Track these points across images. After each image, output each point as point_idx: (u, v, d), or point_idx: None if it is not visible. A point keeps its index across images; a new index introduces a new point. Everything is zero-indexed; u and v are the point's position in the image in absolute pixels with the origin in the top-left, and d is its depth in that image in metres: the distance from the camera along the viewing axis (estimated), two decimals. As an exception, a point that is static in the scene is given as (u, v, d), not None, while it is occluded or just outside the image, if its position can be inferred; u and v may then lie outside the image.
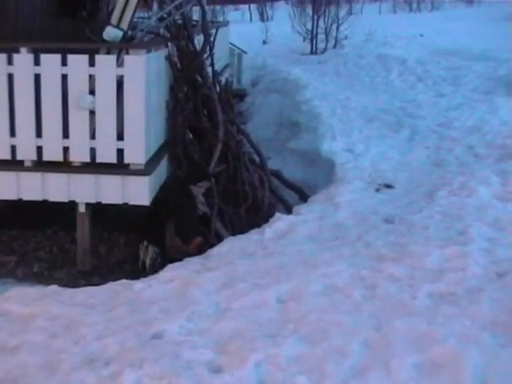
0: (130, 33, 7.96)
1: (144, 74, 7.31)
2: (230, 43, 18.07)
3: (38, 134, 7.44)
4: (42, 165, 7.54)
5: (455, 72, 16.81)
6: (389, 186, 8.70)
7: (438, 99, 14.20)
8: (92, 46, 7.88)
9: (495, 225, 6.78)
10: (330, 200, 8.12)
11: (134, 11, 7.83)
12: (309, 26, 23.24)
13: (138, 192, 7.50)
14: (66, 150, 7.48)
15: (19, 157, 7.52)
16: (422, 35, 24.59)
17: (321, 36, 22.75)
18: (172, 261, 7.04)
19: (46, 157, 7.51)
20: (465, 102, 13.67)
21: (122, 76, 7.34)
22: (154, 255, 7.64)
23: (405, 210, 7.55)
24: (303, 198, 9.10)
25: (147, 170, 7.55)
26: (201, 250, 7.64)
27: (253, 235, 7.06)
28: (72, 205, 7.66)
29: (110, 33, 7.63)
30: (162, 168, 8.35)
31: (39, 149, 7.49)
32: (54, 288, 5.92)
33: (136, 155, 7.43)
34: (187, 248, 7.67)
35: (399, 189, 8.60)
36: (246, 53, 19.60)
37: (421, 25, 28.40)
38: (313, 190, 9.30)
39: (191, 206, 7.82)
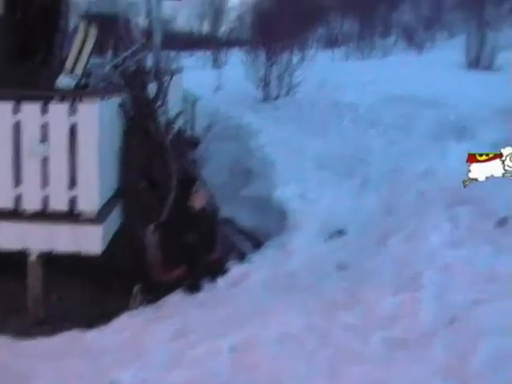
0: (83, 80, 7.97)
1: (97, 122, 7.31)
2: (184, 90, 18.11)
3: (-11, 182, 7.37)
4: (-7, 213, 7.47)
5: (406, 118, 16.97)
6: (341, 233, 8.75)
7: (390, 145, 14.32)
8: (45, 93, 7.86)
9: (446, 270, 6.85)
10: (283, 247, 8.16)
11: (88, 58, 7.85)
12: (262, 73, 23.35)
13: (91, 240, 7.44)
14: (17, 198, 7.42)
15: (-30, 205, 7.44)
16: (373, 82, 24.88)
17: (274, 82, 22.89)
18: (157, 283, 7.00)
19: (-3, 205, 7.44)
20: (416, 147, 13.78)
21: (76, 124, 7.33)
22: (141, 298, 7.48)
23: (357, 257, 7.60)
24: (256, 245, 9.11)
25: (100, 218, 7.51)
26: (180, 281, 7.56)
27: (205, 283, 7.05)
28: (24, 252, 7.58)
29: (64, 80, 7.64)
30: (115, 216, 8.31)
31: (-10, 197, 7.41)
32: (3, 339, 5.84)
33: (88, 203, 7.38)
34: (169, 276, 7.51)
35: (351, 235, 8.66)
36: (199, 99, 19.66)
37: (373, 71, 28.70)
38: (266, 236, 9.32)
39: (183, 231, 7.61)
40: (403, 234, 8.25)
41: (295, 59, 23.69)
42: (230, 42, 48.30)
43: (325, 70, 24.77)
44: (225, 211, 10.01)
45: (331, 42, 53.64)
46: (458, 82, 21.74)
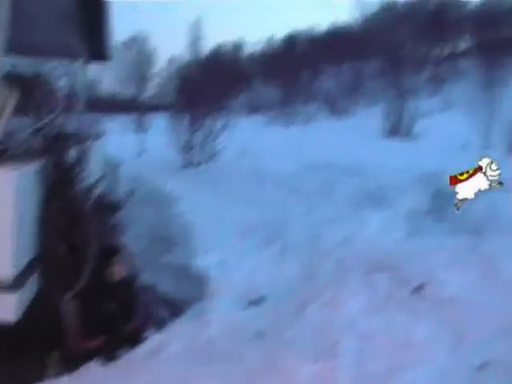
0: (2, 145, 7.88)
1: (14, 188, 7.20)
2: (106, 154, 18.03)
3: None
4: None
5: (327, 185, 17.20)
6: (261, 300, 8.76)
7: (311, 212, 14.46)
8: (-38, 159, 7.75)
9: (363, 338, 6.89)
10: (202, 315, 8.13)
11: (6, 123, 7.77)
12: (185, 139, 23.45)
13: (5, 308, 7.28)
14: None
15: None
16: (294, 149, 25.16)
17: (197, 148, 22.99)
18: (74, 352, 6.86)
19: None
20: (336, 215, 13.95)
21: (-8, 189, 7.23)
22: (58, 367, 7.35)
23: (276, 325, 7.60)
24: (176, 312, 9.06)
25: (15, 285, 7.36)
26: (98, 350, 7.47)
27: (124, 353, 6.97)
28: None
29: (-19, 145, 7.54)
30: (32, 283, 8.17)
31: None
32: None
33: (4, 270, 7.24)
34: (86, 345, 7.41)
35: (271, 303, 8.68)
36: (121, 164, 19.60)
37: (295, 138, 29.09)
38: (186, 304, 9.29)
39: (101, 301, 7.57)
40: (322, 301, 8.28)
41: (218, 125, 23.87)
42: (153, 107, 48.46)
43: (248, 137, 25.04)
44: (145, 278, 9.95)
45: (254, 108, 54.31)
46: (378, 149, 22.28)
